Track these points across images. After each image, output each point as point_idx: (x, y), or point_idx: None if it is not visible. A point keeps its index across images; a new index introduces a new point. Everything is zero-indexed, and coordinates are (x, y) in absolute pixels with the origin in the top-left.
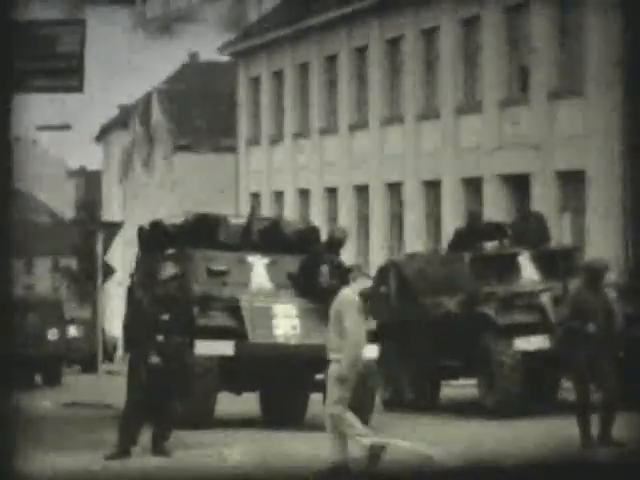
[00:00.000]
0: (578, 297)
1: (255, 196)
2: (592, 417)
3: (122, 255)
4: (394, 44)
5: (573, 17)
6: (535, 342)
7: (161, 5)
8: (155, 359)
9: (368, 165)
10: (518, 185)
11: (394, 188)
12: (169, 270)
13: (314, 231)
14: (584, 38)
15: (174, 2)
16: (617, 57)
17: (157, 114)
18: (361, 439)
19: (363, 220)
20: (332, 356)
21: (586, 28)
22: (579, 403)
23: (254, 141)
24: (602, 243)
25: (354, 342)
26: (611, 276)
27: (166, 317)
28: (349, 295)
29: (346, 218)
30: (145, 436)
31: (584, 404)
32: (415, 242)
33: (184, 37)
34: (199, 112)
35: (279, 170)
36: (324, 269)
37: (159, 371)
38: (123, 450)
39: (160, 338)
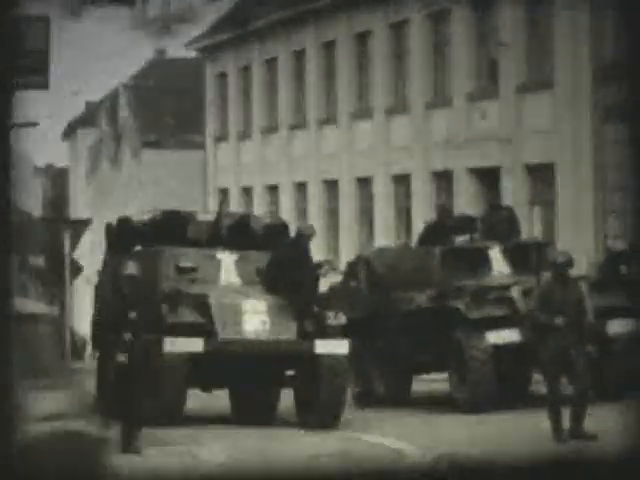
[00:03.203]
0: (546, 290)
1: (223, 192)
2: (564, 410)
3: (90, 253)
4: (363, 38)
5: (541, 10)
6: (506, 336)
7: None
8: (122, 357)
9: (337, 160)
10: (488, 179)
11: (364, 182)
12: (129, 270)
13: (283, 227)
14: (552, 31)
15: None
16: (586, 50)
17: (124, 111)
18: None
19: (333, 215)
20: None
21: (554, 21)
22: (550, 396)
23: (222, 137)
24: (572, 236)
25: None
26: (581, 269)
27: (134, 315)
28: None
29: (316, 213)
30: (115, 434)
31: (555, 397)
32: (385, 236)
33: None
34: (166, 108)
35: (247, 166)
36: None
37: (127, 369)
38: None
39: (128, 336)
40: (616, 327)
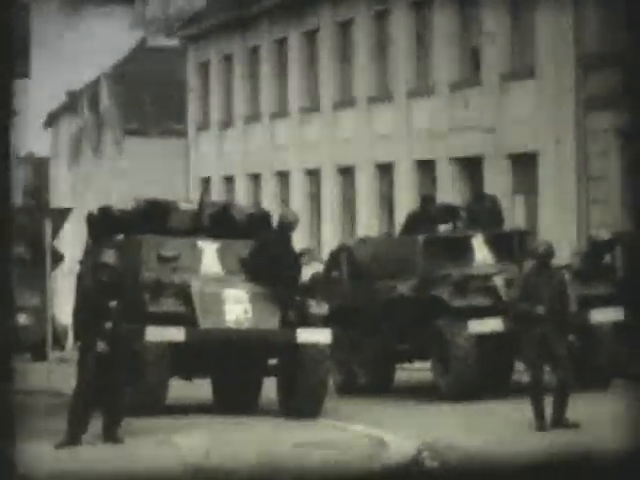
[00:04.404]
0: (527, 279)
1: (205, 181)
2: (546, 399)
3: (72, 242)
4: (345, 27)
5: None
6: (489, 325)
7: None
8: (103, 346)
9: (320, 149)
10: (471, 168)
11: (346, 171)
12: (106, 258)
13: (265, 216)
14: (535, 20)
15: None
16: (568, 38)
17: (106, 99)
18: None
19: (315, 204)
20: None
21: (537, 9)
22: (532, 385)
23: (204, 126)
24: (555, 225)
25: None
26: (564, 258)
27: (114, 304)
28: None
29: (298, 202)
30: (96, 424)
31: (537, 386)
32: (368, 226)
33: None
34: (148, 97)
35: (229, 154)
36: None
37: (108, 358)
38: (73, 438)
39: (109, 325)
40: (599, 316)
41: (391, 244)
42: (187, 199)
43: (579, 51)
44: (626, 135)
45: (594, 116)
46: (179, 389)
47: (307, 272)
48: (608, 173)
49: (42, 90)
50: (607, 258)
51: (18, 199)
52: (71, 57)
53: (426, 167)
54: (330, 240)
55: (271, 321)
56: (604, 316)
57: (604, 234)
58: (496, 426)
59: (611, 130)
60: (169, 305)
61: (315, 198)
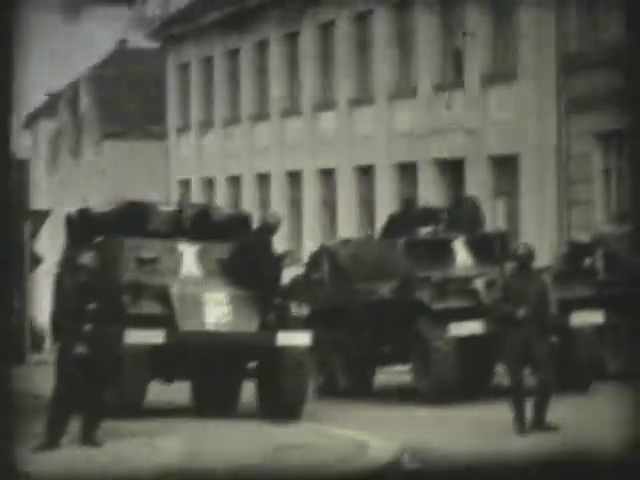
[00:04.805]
0: (509, 282)
1: (185, 183)
2: (526, 401)
3: (50, 244)
4: (326, 29)
5: (506, 1)
6: (469, 327)
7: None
8: (81, 348)
9: (300, 151)
10: (452, 170)
11: (327, 173)
12: (84, 260)
13: (245, 218)
14: (517, 22)
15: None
16: (551, 40)
17: (85, 101)
18: None
19: (295, 206)
20: None
21: (519, 12)
22: (512, 387)
23: (184, 128)
24: (536, 228)
25: None
26: (545, 260)
27: (93, 306)
28: None
29: (278, 204)
30: (75, 426)
31: (517, 388)
32: (349, 228)
33: None
34: (128, 99)
35: (209, 157)
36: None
37: (86, 360)
38: (52, 441)
39: (87, 327)
40: (579, 319)
41: (372, 246)
42: (167, 201)
43: (561, 53)
44: (607, 137)
45: (576, 118)
46: (159, 391)
47: (288, 274)
48: (589, 176)
49: (35, 90)
50: (587, 261)
51: None
52: (65, 57)
53: (407, 169)
54: (311, 242)
55: (251, 324)
56: (585, 318)
57: (585, 237)
58: (476, 429)
59: (592, 133)
60: (148, 307)
61: (296, 200)
